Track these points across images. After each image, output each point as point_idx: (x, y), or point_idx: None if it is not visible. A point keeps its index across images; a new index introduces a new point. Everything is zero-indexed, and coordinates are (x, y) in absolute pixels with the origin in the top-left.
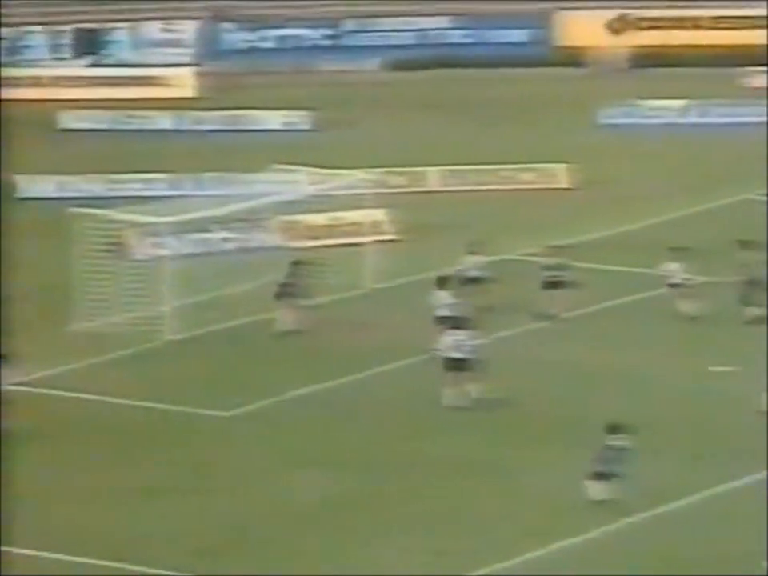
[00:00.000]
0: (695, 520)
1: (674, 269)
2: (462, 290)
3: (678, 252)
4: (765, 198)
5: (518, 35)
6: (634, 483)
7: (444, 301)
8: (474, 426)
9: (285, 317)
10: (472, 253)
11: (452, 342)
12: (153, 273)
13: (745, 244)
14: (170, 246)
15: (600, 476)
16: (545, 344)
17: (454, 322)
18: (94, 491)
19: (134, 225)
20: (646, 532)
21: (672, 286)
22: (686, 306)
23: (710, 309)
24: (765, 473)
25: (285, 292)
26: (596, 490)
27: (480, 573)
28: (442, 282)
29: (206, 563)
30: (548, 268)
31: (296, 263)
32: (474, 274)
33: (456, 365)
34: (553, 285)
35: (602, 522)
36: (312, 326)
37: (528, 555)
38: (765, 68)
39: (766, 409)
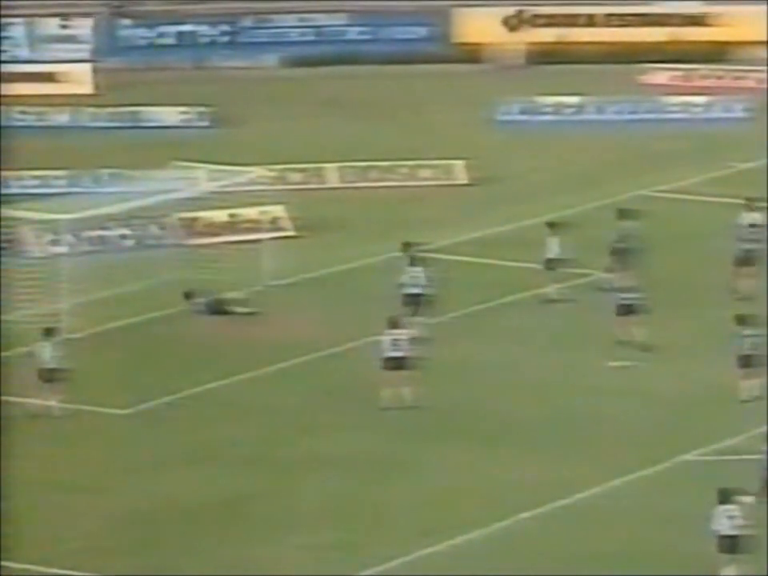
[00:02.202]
0: (596, 514)
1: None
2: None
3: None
4: (658, 194)
5: (415, 32)
6: None
7: (411, 278)
8: (372, 423)
9: None
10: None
11: (390, 341)
12: (50, 270)
13: (623, 213)
14: (68, 244)
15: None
16: (440, 341)
17: (393, 320)
18: None
19: (30, 222)
20: (544, 528)
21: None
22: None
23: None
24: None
25: None
26: None
27: (378, 568)
28: (414, 259)
29: (98, 562)
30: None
31: None
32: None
33: (394, 364)
34: None
35: (502, 518)
36: (208, 323)
37: (427, 551)
38: (660, 65)
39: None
